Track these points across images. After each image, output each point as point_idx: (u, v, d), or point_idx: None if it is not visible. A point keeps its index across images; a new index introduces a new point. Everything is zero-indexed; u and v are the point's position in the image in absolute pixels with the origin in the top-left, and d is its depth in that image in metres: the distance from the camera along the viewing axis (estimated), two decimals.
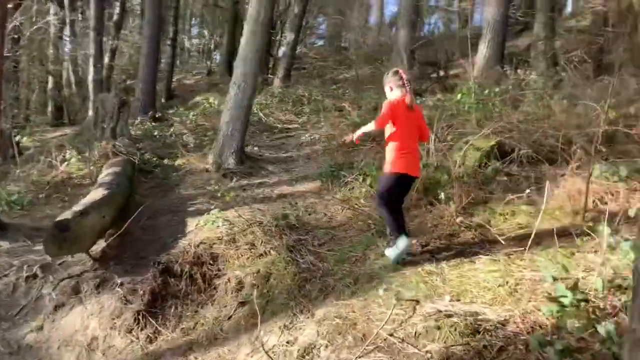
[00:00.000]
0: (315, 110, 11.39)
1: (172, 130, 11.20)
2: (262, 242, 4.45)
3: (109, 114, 9.00)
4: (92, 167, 7.56)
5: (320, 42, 24.85)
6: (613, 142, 5.09)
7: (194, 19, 29.23)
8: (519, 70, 8.39)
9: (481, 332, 2.75)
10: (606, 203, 4.09)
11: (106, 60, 14.49)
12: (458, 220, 4.28)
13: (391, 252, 3.86)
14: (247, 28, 7.40)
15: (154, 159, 8.21)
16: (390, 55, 17.29)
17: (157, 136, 10.23)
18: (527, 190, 4.33)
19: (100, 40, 13.24)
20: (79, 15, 16.53)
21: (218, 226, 4.95)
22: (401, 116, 3.83)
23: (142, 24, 14.54)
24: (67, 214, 4.46)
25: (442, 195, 4.68)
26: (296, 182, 6.52)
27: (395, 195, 3.87)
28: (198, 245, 4.57)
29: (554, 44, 9.91)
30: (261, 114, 11.59)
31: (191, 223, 5.34)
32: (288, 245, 4.38)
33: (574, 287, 2.82)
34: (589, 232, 3.54)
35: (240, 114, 7.45)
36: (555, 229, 3.61)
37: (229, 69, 20.93)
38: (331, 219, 5.07)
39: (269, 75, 19.00)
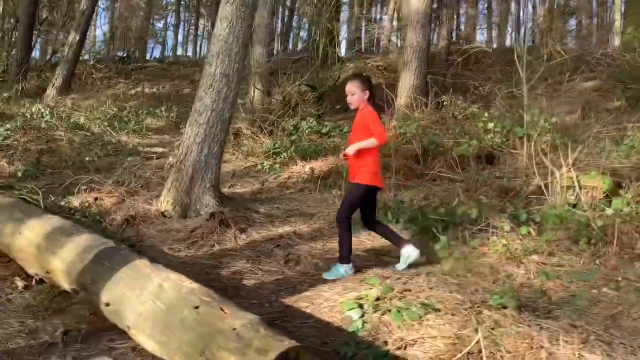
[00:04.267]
0: None
1: None
2: (563, 345, 2.77)
3: None
4: None
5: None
6: None
7: None
8: (459, 102, 8.11)
9: None
10: None
11: None
12: None
13: (331, 275, 3.65)
14: (228, 10, 5.15)
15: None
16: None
17: None
18: None
19: None
20: None
21: (420, 316, 2.99)
22: None
23: None
24: (279, 339, 2.02)
25: None
26: (353, 232, 4.65)
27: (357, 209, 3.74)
28: None
29: None
30: (110, 132, 8.63)
31: (337, 311, 3.18)
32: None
33: None
34: None
35: (219, 131, 5.13)
36: None
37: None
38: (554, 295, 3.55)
39: (23, 82, 14.73)
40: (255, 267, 3.96)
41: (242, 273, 3.85)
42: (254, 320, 2.15)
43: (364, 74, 3.74)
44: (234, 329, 2.10)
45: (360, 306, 3.11)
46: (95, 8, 15.09)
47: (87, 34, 15.68)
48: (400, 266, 3.72)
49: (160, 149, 8.33)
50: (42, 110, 8.39)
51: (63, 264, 3.20)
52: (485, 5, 21.13)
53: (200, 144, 5.02)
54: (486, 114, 6.14)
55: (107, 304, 2.75)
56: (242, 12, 5.15)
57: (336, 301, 3.32)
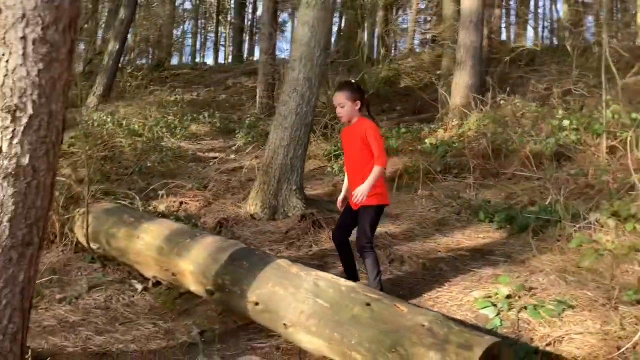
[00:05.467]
0: (249, 136, 9.10)
1: None
2: None
3: None
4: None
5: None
6: None
7: None
8: (516, 99, 8.10)
9: None
10: None
11: None
12: None
13: None
14: (310, 14, 5.20)
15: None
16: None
17: None
18: None
19: None
20: None
21: (559, 313, 3.00)
22: None
23: None
24: (478, 334, 2.04)
25: None
26: (445, 232, 4.68)
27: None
28: None
29: None
30: (168, 138, 8.74)
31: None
32: None
33: None
34: None
35: (303, 134, 5.19)
36: None
37: None
38: None
39: None
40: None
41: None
42: (439, 317, 2.18)
43: (353, 82, 3.52)
44: (423, 325, 2.12)
45: (494, 304, 3.12)
46: (134, 16, 15.34)
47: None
48: None
49: (218, 154, 8.43)
50: (105, 117, 8.55)
51: (193, 265, 3.25)
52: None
53: (285, 147, 5.07)
54: (560, 112, 6.12)
55: (257, 303, 2.79)
56: (322, 15, 5.20)
57: (462, 300, 3.34)
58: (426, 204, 5.36)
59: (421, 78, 13.44)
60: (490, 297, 3.23)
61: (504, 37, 21.17)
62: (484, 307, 3.11)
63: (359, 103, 3.28)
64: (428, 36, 16.74)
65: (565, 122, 5.80)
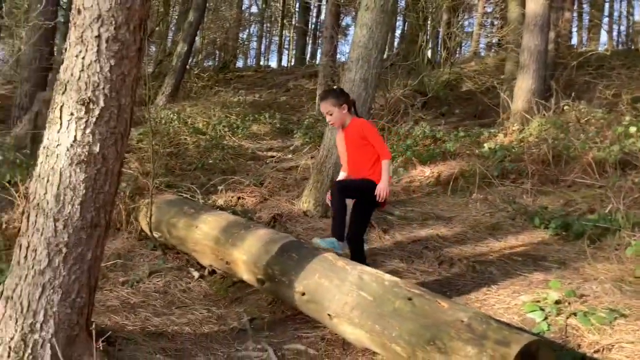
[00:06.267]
0: (306, 136, 9.26)
1: None
2: None
3: None
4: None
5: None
6: None
7: None
8: (580, 104, 7.81)
9: None
10: None
11: None
12: None
13: (323, 243, 3.23)
14: (368, 17, 5.26)
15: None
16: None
17: None
18: None
19: None
20: None
21: (610, 321, 2.92)
22: None
23: None
24: (517, 332, 2.05)
25: None
26: (498, 236, 4.62)
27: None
28: None
29: None
30: (230, 136, 9.03)
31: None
32: None
33: None
34: None
35: None
36: None
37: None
38: None
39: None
40: (410, 267, 4.01)
41: (399, 273, 3.91)
42: (479, 313, 2.20)
43: (334, 88, 3.64)
44: (462, 321, 2.15)
45: (542, 309, 3.08)
46: (203, 20, 15.93)
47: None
48: (321, 242, 3.28)
49: (276, 153, 8.64)
50: (172, 115, 8.97)
51: (246, 255, 3.39)
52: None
53: None
54: (627, 118, 5.88)
55: (303, 294, 2.90)
56: (381, 19, 5.26)
57: (509, 303, 3.31)
58: (480, 208, 5.30)
59: (483, 82, 13.20)
60: (539, 301, 3.19)
61: (574, 41, 20.37)
62: (532, 311, 3.08)
63: (345, 106, 3.39)
64: (494, 40, 16.38)
65: (632, 129, 5.56)
